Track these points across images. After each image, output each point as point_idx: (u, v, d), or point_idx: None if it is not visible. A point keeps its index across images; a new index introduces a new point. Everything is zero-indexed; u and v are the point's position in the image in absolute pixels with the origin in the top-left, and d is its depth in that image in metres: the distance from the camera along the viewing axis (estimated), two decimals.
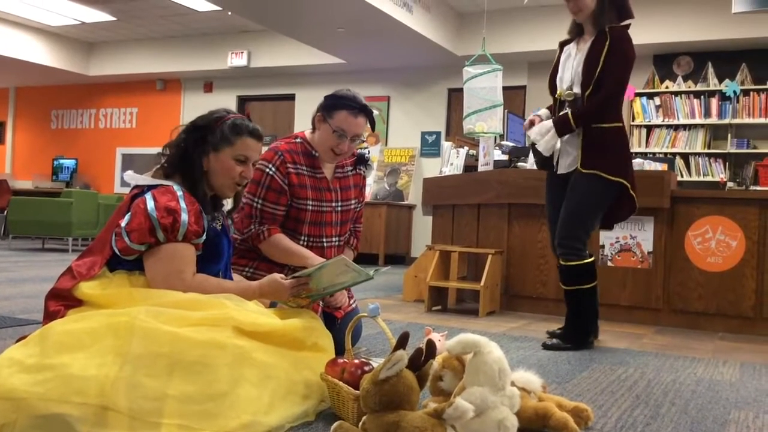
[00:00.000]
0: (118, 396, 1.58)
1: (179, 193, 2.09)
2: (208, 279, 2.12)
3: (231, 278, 2.39)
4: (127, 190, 2.22)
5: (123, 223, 2.04)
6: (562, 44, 3.51)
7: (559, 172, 3.43)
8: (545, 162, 3.46)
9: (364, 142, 2.86)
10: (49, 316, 1.96)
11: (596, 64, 3.23)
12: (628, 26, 3.34)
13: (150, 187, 2.11)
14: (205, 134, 2.18)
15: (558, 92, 3.42)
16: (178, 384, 1.65)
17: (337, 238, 2.84)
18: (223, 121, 2.19)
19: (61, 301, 1.98)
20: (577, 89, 3.32)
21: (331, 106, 2.71)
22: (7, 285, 4.90)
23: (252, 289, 2.20)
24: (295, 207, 2.72)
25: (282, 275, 2.26)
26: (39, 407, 1.55)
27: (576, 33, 3.43)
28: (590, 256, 3.38)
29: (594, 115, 3.26)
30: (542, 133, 3.35)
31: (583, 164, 3.27)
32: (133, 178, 2.19)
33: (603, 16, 3.27)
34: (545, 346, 3.32)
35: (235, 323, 1.88)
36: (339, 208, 2.83)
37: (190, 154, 2.16)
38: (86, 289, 1.97)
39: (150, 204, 2.03)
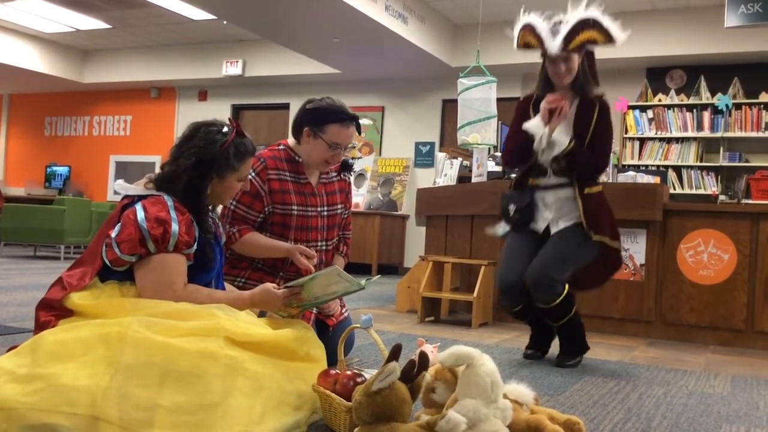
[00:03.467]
0: (109, 406, 1.58)
1: (170, 203, 2.09)
2: (199, 289, 2.12)
3: (223, 287, 2.38)
4: (120, 199, 2.22)
5: (113, 234, 2.04)
6: (528, 101, 3.35)
7: (538, 228, 3.24)
8: (522, 219, 3.24)
9: (354, 148, 2.88)
10: (40, 326, 1.95)
11: (587, 130, 3.15)
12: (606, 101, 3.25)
13: (140, 197, 2.11)
14: (210, 166, 2.17)
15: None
16: (169, 394, 1.65)
17: (323, 243, 2.85)
18: (225, 148, 2.17)
19: (52, 311, 1.97)
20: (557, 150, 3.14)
21: (319, 120, 2.71)
22: None
23: (243, 299, 2.19)
24: (280, 212, 2.74)
25: (275, 285, 2.26)
26: (30, 417, 1.55)
27: (544, 93, 3.23)
28: (564, 285, 3.11)
29: (588, 162, 3.15)
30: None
31: (590, 228, 3.10)
32: (123, 187, 2.18)
33: (588, 83, 3.18)
34: (559, 365, 3.20)
35: (227, 333, 1.87)
36: (325, 213, 2.85)
37: (196, 185, 2.15)
38: (77, 299, 1.96)
39: (140, 214, 2.03)
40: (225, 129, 2.20)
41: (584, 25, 3.09)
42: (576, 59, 3.14)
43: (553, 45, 3.09)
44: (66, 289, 1.99)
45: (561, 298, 3.09)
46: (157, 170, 2.21)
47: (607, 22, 3.11)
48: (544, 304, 3.10)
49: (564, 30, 3.09)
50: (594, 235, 3.12)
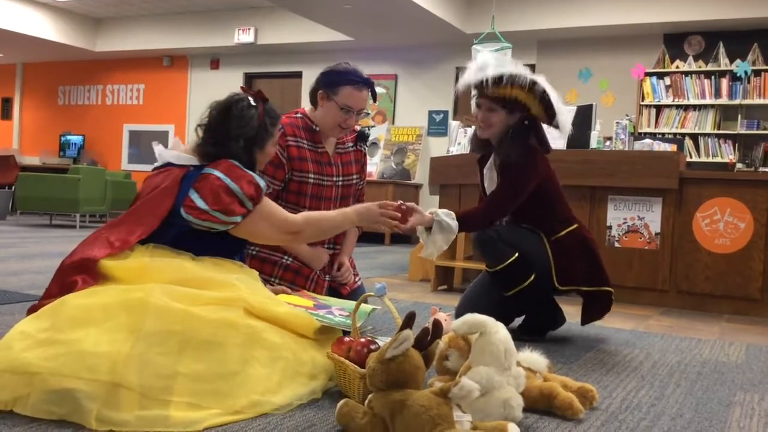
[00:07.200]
0: (129, 373, 1.60)
1: (236, 162, 2.12)
2: (311, 214, 2.32)
3: (242, 260, 2.39)
4: (136, 167, 2.22)
5: (202, 205, 2.02)
6: (480, 162, 3.13)
7: None
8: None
9: (368, 115, 2.85)
10: (67, 287, 1.89)
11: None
12: (529, 155, 2.83)
13: (197, 167, 2.10)
14: (254, 142, 2.20)
15: None
16: (188, 362, 1.67)
17: None
18: (262, 120, 2.21)
19: (81, 273, 1.92)
20: None
21: (333, 82, 2.72)
22: (15, 261, 4.93)
23: (349, 214, 2.35)
24: (296, 180, 2.74)
25: (376, 204, 2.36)
26: (51, 382, 1.57)
27: (487, 151, 3.02)
28: (513, 254, 2.84)
29: (477, 224, 2.95)
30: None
31: (559, 281, 2.84)
32: (175, 156, 2.15)
33: (501, 147, 2.85)
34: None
35: (246, 305, 1.90)
36: (340, 183, 2.85)
37: (247, 165, 2.18)
38: (106, 259, 1.95)
39: (229, 182, 2.05)
40: (252, 101, 2.21)
41: (523, 83, 2.70)
42: (500, 117, 2.81)
43: (468, 77, 2.80)
44: (111, 249, 1.97)
45: (507, 263, 2.84)
46: (171, 140, 2.21)
47: (557, 103, 2.74)
48: (489, 267, 2.95)
49: (492, 72, 2.71)
50: (560, 286, 2.85)
